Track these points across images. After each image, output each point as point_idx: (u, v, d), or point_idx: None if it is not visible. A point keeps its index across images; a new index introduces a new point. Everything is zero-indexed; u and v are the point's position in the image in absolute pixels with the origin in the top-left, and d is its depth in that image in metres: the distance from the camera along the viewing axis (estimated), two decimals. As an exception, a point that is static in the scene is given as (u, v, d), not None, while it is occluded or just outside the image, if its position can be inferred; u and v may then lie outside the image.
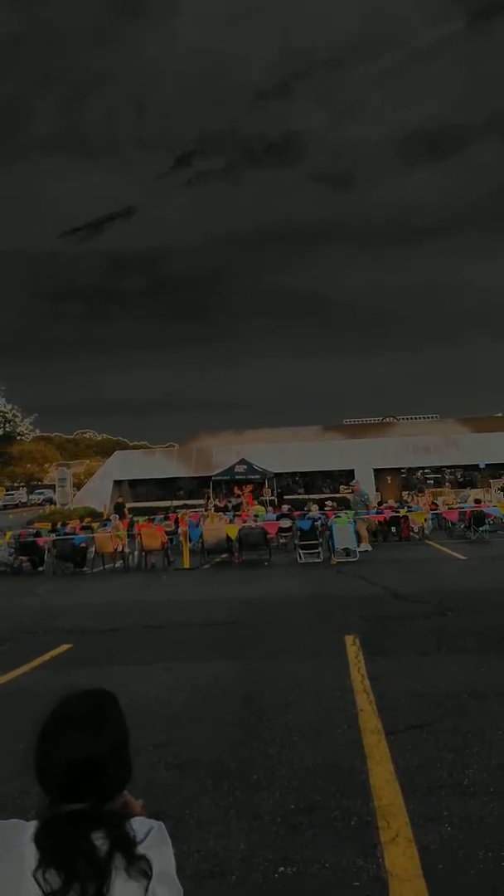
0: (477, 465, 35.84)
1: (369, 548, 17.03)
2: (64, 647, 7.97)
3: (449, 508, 21.65)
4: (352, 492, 19.17)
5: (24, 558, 17.21)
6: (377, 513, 20.57)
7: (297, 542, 16.22)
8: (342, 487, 37.77)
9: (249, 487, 31.87)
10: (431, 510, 21.68)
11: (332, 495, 33.94)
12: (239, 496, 31.09)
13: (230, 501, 30.02)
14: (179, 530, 17.99)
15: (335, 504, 24.40)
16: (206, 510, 24.29)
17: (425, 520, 20.13)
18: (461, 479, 37.44)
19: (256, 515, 20.20)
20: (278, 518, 19.00)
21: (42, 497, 57.70)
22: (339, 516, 17.12)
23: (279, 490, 33.93)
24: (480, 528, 18.72)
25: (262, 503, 28.36)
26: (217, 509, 26.14)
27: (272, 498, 31.34)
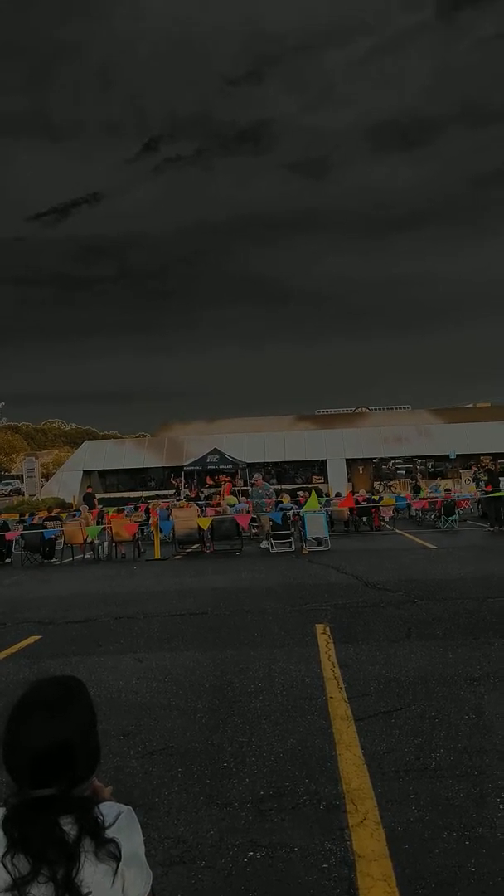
0: (447, 456, 36.29)
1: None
2: (32, 639, 7.92)
3: (420, 498, 21.94)
4: (254, 485, 18.57)
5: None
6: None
7: (268, 531, 16.27)
8: (314, 478, 38.00)
9: (229, 478, 31.88)
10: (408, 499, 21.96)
11: (305, 485, 34.15)
12: (211, 486, 31.09)
13: (202, 492, 29.99)
14: (150, 521, 17.95)
15: (308, 494, 24.54)
16: (177, 500, 24.22)
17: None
18: (432, 469, 37.90)
19: (230, 506, 20.22)
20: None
21: (9, 488, 56.98)
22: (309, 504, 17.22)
23: (252, 480, 33.99)
24: (450, 518, 18.99)
25: (234, 493, 28.39)
26: (188, 499, 26.14)
27: (245, 488, 31.38)
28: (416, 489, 26.71)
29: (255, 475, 19.64)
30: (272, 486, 20.29)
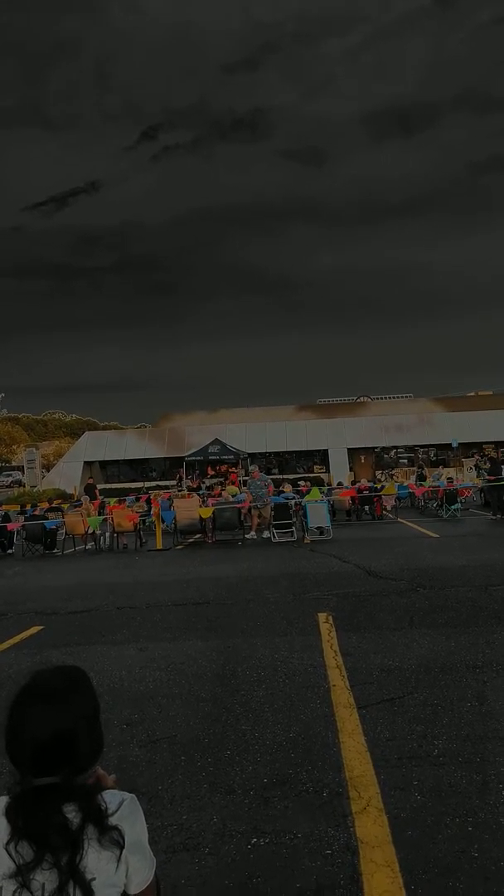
0: (450, 444, 36.27)
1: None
2: (35, 629, 7.94)
3: (421, 486, 21.95)
4: (251, 478, 18.47)
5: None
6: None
7: (269, 521, 16.29)
8: (316, 467, 38.01)
9: (234, 468, 31.90)
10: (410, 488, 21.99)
11: (307, 475, 34.16)
12: (213, 476, 31.10)
13: (203, 482, 30.01)
14: (152, 511, 17.96)
15: (309, 484, 24.57)
16: (178, 490, 24.24)
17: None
18: (434, 458, 37.86)
19: (232, 496, 20.23)
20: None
21: (10, 479, 57.00)
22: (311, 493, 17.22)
23: (249, 472, 34.05)
24: (452, 507, 19.00)
25: (241, 481, 28.41)
26: (190, 490, 26.15)
27: (246, 478, 31.41)
28: (422, 477, 26.70)
29: (252, 467, 19.60)
30: (270, 478, 20.19)
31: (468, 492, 22.20)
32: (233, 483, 27.15)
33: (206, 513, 16.51)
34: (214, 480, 30.71)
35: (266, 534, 16.41)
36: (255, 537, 16.43)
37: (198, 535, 17.03)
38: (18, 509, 20.17)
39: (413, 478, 28.21)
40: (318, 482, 30.28)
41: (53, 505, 20.39)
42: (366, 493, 20.42)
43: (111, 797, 1.46)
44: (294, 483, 24.01)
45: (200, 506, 17.23)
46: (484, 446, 37.16)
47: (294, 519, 16.19)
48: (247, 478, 31.35)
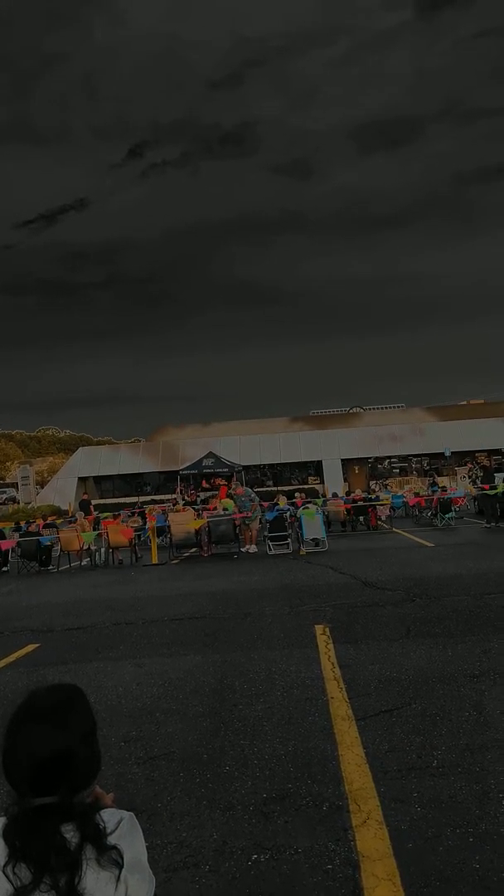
0: (443, 454, 36.36)
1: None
2: (31, 647, 7.89)
3: (417, 495, 21.99)
4: (235, 494, 18.29)
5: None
6: (346, 503, 20.78)
7: (266, 533, 16.26)
8: (310, 479, 38.02)
9: (224, 481, 31.87)
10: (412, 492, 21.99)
11: (301, 487, 34.15)
12: (207, 489, 31.06)
13: (198, 496, 29.97)
14: (147, 525, 17.91)
15: (304, 495, 24.56)
16: (173, 505, 24.19)
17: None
18: (427, 468, 37.93)
19: (225, 509, 20.19)
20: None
21: (5, 496, 56.78)
22: (307, 507, 17.22)
23: (232, 489, 34.02)
24: (447, 515, 19.03)
25: (229, 496, 28.34)
26: (187, 503, 26.10)
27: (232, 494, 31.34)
28: (434, 485, 26.63)
29: (235, 485, 19.54)
30: (264, 490, 20.19)
31: (462, 500, 22.25)
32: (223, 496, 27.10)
33: (199, 524, 16.50)
34: (209, 494, 30.65)
35: (253, 548, 16.35)
36: (249, 550, 16.41)
37: (193, 549, 16.99)
38: (13, 526, 20.06)
39: (426, 486, 28.11)
40: (312, 493, 30.29)
41: (48, 521, 20.32)
42: (360, 503, 20.42)
43: (109, 816, 1.45)
44: (289, 495, 24.00)
45: (195, 519, 17.19)
46: (476, 455, 37.27)
47: (289, 531, 16.17)
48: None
